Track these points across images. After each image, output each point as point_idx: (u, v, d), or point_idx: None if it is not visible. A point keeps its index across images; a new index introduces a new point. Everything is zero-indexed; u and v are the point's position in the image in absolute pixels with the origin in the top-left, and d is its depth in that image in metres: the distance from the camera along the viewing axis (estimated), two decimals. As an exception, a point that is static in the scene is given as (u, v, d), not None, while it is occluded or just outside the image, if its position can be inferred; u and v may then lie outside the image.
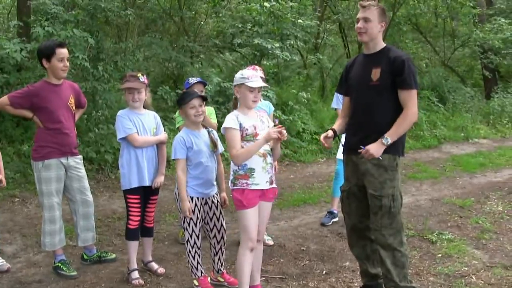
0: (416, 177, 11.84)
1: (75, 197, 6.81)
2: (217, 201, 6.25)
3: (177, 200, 6.17)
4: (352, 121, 5.65)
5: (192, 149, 6.00)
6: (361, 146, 5.29)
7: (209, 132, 6.22)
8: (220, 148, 6.31)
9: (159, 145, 6.60)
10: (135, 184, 6.40)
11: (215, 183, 6.27)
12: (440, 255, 7.36)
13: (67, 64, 6.68)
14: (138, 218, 6.53)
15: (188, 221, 6.04)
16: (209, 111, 7.70)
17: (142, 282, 6.41)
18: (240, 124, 5.47)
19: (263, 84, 5.61)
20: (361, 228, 5.76)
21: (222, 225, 6.26)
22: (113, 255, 7.15)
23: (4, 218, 8.41)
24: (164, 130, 6.99)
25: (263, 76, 7.26)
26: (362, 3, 5.54)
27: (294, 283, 6.49)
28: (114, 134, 10.75)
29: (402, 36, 20.72)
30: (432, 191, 10.75)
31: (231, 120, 5.50)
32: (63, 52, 6.61)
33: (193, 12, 17.03)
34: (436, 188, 11.03)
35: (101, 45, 11.88)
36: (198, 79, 7.68)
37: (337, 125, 5.84)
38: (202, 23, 17.88)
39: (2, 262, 6.84)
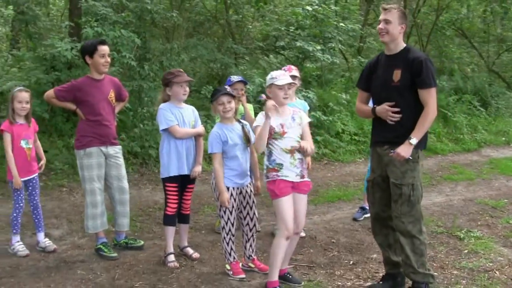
0: (451, 178, 11.99)
1: (113, 184, 7.27)
2: (251, 190, 6.64)
3: (214, 190, 6.59)
4: (377, 118, 5.96)
5: (227, 143, 6.39)
6: (391, 151, 5.67)
7: (242, 126, 6.61)
8: (253, 140, 6.70)
9: (196, 137, 7.01)
10: (174, 173, 6.81)
11: (249, 173, 6.66)
12: (466, 251, 7.58)
13: (108, 60, 7.18)
14: (176, 205, 6.93)
15: (224, 210, 6.44)
16: (249, 108, 8.16)
17: (177, 265, 6.81)
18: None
19: (290, 80, 5.98)
20: (384, 217, 6.08)
21: (254, 213, 6.66)
22: (141, 242, 7.53)
23: (52, 206, 8.87)
24: (208, 128, 7.39)
25: (297, 75, 7.68)
26: (384, 6, 5.90)
27: (321, 271, 6.81)
28: (158, 130, 11.24)
29: (446, 40, 20.80)
30: (466, 192, 10.91)
31: (258, 118, 5.92)
32: (104, 48, 7.10)
33: (240, 16, 17.44)
34: (471, 189, 11.18)
35: (148, 45, 12.34)
36: (240, 77, 8.08)
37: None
38: (250, 26, 18.28)
39: (50, 243, 7.35)
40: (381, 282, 6.24)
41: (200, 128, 7.08)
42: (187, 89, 6.91)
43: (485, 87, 19.71)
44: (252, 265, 6.75)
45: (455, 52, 21.40)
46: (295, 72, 7.72)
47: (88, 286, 6.24)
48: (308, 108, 8.35)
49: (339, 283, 6.47)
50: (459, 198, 10.44)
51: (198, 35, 16.55)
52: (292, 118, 6.06)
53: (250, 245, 6.76)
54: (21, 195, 7.22)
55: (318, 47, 14.11)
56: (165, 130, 6.80)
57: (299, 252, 7.37)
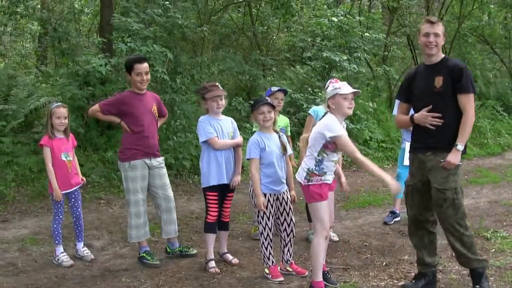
0: (477, 182, 12.20)
1: (158, 193, 7.52)
2: (287, 197, 6.90)
3: (252, 197, 6.84)
4: (417, 125, 6.20)
5: (265, 150, 6.68)
6: (441, 160, 5.90)
7: (279, 136, 6.89)
8: (289, 150, 7.01)
9: (235, 147, 7.25)
10: (214, 182, 7.06)
11: (284, 181, 6.91)
12: (493, 250, 7.81)
13: (145, 78, 7.35)
14: (216, 213, 7.18)
15: (262, 215, 6.73)
16: (286, 123, 8.49)
17: (218, 270, 7.04)
18: None
19: (354, 90, 6.16)
20: (420, 220, 6.34)
21: (291, 219, 6.91)
22: (195, 251, 7.77)
23: (91, 218, 9.15)
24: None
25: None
26: (431, 19, 6.16)
27: (356, 273, 7.03)
28: (191, 142, 11.52)
29: (468, 47, 20.95)
30: (491, 194, 11.11)
31: (339, 126, 6.03)
32: (141, 67, 7.31)
33: (265, 27, 17.71)
34: (496, 191, 11.39)
35: (178, 59, 12.63)
36: (279, 88, 8.38)
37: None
38: (274, 37, 18.54)
39: (88, 252, 7.63)
40: (413, 281, 6.45)
41: (239, 139, 7.31)
42: (221, 102, 7.12)
43: (507, 92, 19.91)
44: (290, 269, 6.98)
45: (478, 59, 21.54)
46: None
47: (133, 292, 6.49)
48: None
49: (374, 283, 6.68)
50: (485, 200, 10.65)
51: (225, 47, 16.83)
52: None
53: (288, 250, 6.99)
54: (61, 207, 7.46)
55: (345, 57, 14.35)
56: (205, 142, 7.05)
57: (333, 256, 7.63)
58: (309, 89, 14.91)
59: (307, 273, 6.83)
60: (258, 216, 6.81)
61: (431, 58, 6.13)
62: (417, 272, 6.54)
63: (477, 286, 6.18)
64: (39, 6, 16.97)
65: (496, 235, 8.43)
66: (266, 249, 6.82)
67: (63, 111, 7.39)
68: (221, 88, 7.20)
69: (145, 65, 7.38)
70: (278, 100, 8.18)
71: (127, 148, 7.35)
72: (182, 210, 9.74)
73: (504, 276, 6.80)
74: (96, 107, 7.40)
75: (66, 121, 7.43)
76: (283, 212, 6.87)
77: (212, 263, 7.14)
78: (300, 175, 6.26)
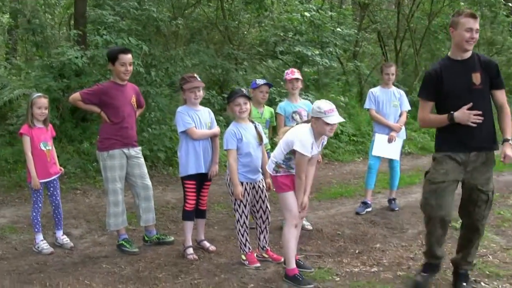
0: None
1: (136, 182, 7.69)
2: (263, 185, 7.11)
3: (229, 186, 7.04)
4: (452, 124, 5.92)
5: (241, 140, 6.87)
6: (502, 158, 5.76)
7: (255, 126, 7.08)
8: (265, 140, 7.23)
9: (212, 137, 7.43)
10: (192, 171, 7.23)
11: (260, 170, 7.11)
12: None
13: (129, 68, 7.53)
14: (194, 201, 7.37)
15: (239, 203, 6.93)
16: (271, 114, 8.62)
17: (196, 257, 7.24)
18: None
19: (341, 120, 6.25)
20: (447, 221, 6.16)
21: (267, 206, 7.12)
22: (172, 238, 7.95)
23: (68, 207, 9.27)
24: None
25: (300, 77, 8.23)
26: (473, 13, 5.97)
27: (329, 260, 7.28)
28: (165, 134, 11.68)
29: (438, 44, 21.28)
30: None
31: (307, 148, 6.17)
32: (125, 57, 7.48)
33: (236, 22, 17.88)
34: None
35: (153, 52, 12.77)
36: (265, 81, 8.50)
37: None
38: (245, 32, 18.72)
39: (67, 240, 7.80)
40: (424, 274, 6.45)
41: (216, 129, 7.50)
42: (199, 93, 7.27)
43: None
44: (266, 255, 7.20)
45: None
46: (298, 74, 8.36)
47: (114, 278, 6.63)
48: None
49: (347, 270, 6.93)
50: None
51: (198, 41, 16.96)
52: (322, 144, 6.55)
53: (264, 237, 7.21)
54: (40, 196, 7.60)
55: (317, 52, 14.59)
56: (183, 132, 7.21)
57: (307, 244, 7.87)
58: (281, 82, 15.08)
59: (282, 259, 6.99)
60: (235, 204, 7.00)
61: (464, 53, 5.95)
62: (425, 262, 6.57)
63: (465, 284, 6.35)
64: (9, -1, 16.98)
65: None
66: (243, 236, 7.02)
67: (44, 101, 7.51)
68: (199, 79, 7.34)
69: (130, 56, 7.55)
70: (263, 93, 8.35)
71: (105, 138, 7.50)
72: (158, 200, 9.85)
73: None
74: (77, 95, 7.52)
75: (46, 111, 7.55)
76: (258, 200, 7.07)
77: (190, 250, 7.32)
78: (270, 166, 6.54)
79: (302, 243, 7.73)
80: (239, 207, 6.97)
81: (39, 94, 7.72)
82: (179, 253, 7.41)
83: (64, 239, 7.79)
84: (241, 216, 6.99)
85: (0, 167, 10.63)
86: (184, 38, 16.61)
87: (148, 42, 12.53)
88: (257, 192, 7.06)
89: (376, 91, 9.62)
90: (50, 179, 7.66)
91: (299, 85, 8.46)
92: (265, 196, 7.12)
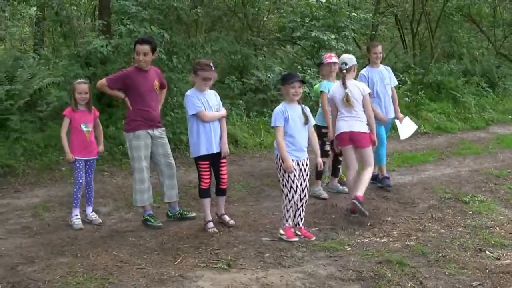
0: (460, 153, 12.79)
1: (160, 161, 8.20)
2: (306, 164, 7.53)
3: (276, 162, 7.49)
4: None
5: (288, 120, 7.31)
6: None
7: (302, 108, 7.52)
8: (312, 121, 7.64)
9: (220, 119, 7.87)
10: (203, 152, 7.69)
11: (305, 149, 7.53)
12: (471, 212, 8.56)
13: (141, 58, 7.96)
14: (209, 179, 7.83)
15: (287, 179, 7.36)
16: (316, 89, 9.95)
17: (216, 230, 7.74)
18: None
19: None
20: None
21: (307, 185, 7.55)
22: (193, 214, 8.43)
23: (96, 188, 9.66)
24: (232, 114, 8.27)
25: (336, 61, 9.22)
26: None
27: (342, 232, 7.78)
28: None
29: (455, 26, 21.51)
30: (473, 164, 11.73)
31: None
32: (140, 48, 7.96)
33: (256, 9, 18.29)
34: (478, 162, 11.99)
35: (174, 40, 13.23)
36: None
37: None
38: (265, 19, 19.13)
39: (96, 216, 8.36)
40: None
41: (224, 111, 7.96)
42: (210, 83, 7.73)
43: (492, 69, 20.32)
44: (299, 233, 7.55)
45: (464, 37, 22.12)
46: (335, 59, 9.34)
47: (140, 249, 7.16)
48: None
49: (358, 240, 7.42)
50: (466, 169, 11.25)
51: (218, 29, 17.41)
52: None
53: (300, 214, 7.58)
54: (81, 172, 8.19)
55: (333, 36, 14.99)
56: (194, 115, 7.65)
57: (322, 218, 8.38)
58: (299, 67, 15.54)
59: (314, 237, 7.45)
60: (283, 180, 7.40)
61: None
62: None
63: None
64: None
65: (474, 199, 9.13)
66: (288, 211, 7.42)
67: (83, 87, 8.14)
68: (213, 69, 7.72)
69: (144, 46, 7.97)
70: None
71: (131, 120, 8.02)
72: (181, 180, 10.28)
73: (479, 234, 7.59)
74: (103, 81, 8.07)
75: (87, 95, 8.16)
76: (300, 178, 7.44)
77: (211, 224, 7.82)
78: (363, 127, 8.31)
79: (317, 217, 8.28)
80: (288, 182, 7.35)
81: (80, 80, 8.41)
82: (201, 227, 7.90)
83: (93, 215, 8.34)
84: (289, 191, 7.36)
85: (32, 151, 11.15)
86: (205, 25, 17.03)
87: (169, 31, 12.98)
88: (300, 170, 7.45)
89: (367, 72, 9.89)
90: (88, 158, 8.29)
91: (336, 68, 9.23)
92: (307, 175, 7.52)
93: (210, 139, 7.68)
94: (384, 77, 9.88)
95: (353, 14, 16.28)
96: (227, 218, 8.08)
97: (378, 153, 9.66)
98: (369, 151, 8.47)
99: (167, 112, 12.30)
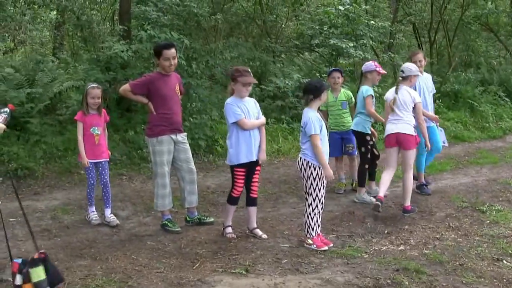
0: (477, 162, 12.77)
1: (182, 166, 8.26)
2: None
3: (304, 169, 7.41)
4: None
5: (322, 127, 7.36)
6: None
7: (321, 115, 7.60)
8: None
9: (260, 126, 7.80)
10: (243, 160, 7.60)
11: None
12: (488, 221, 8.55)
13: (173, 62, 8.08)
14: (242, 188, 7.77)
15: (314, 188, 7.35)
16: (348, 96, 10.33)
17: (234, 236, 7.77)
18: None
19: None
20: None
21: (324, 193, 7.53)
22: (212, 219, 8.50)
23: (115, 191, 9.79)
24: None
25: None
26: None
27: (359, 239, 7.81)
28: (206, 123, 12.24)
29: (472, 35, 21.49)
30: (490, 174, 11.68)
31: None
32: (168, 53, 8.02)
33: (274, 16, 18.36)
34: (495, 171, 11.95)
35: (193, 46, 13.31)
36: (334, 68, 10.44)
37: None
38: (283, 25, 19.20)
39: (114, 218, 8.50)
40: None
41: (263, 119, 7.87)
42: (249, 88, 7.66)
43: (510, 78, 20.16)
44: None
45: (481, 46, 22.06)
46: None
47: (159, 253, 7.23)
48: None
49: (376, 248, 7.45)
50: (484, 178, 11.22)
51: (236, 35, 17.49)
52: None
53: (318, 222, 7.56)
54: (91, 173, 8.44)
55: (351, 44, 15.03)
56: (234, 123, 7.57)
57: (339, 225, 8.41)
58: (317, 74, 15.60)
59: (331, 244, 7.48)
60: (310, 188, 7.38)
61: None
62: None
63: None
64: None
65: (492, 208, 9.11)
66: (312, 220, 7.41)
67: (96, 92, 8.31)
68: (251, 74, 7.69)
69: (173, 50, 8.07)
70: (334, 79, 9.89)
71: (155, 125, 8.08)
72: (199, 185, 10.18)
73: (496, 243, 7.59)
74: (127, 86, 8.13)
75: (99, 100, 8.34)
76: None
77: (229, 229, 7.84)
78: (410, 129, 8.64)
79: (334, 224, 8.33)
80: (314, 191, 7.34)
81: (93, 85, 8.49)
82: (219, 232, 7.94)
83: (112, 217, 8.47)
84: (314, 200, 7.37)
85: (51, 154, 11.25)
86: (224, 32, 17.12)
87: (189, 36, 13.05)
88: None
89: None
90: (99, 160, 8.47)
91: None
92: (325, 182, 7.52)
93: (250, 147, 7.62)
94: (428, 85, 10.00)
95: (371, 22, 16.28)
96: (259, 232, 7.92)
97: (419, 160, 10.06)
98: (412, 154, 8.82)
99: (185, 118, 12.35)
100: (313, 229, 7.42)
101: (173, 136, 8.14)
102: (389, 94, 9.03)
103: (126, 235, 7.99)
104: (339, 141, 10.25)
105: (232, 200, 7.85)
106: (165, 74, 8.14)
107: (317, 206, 7.38)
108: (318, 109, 7.63)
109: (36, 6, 17.01)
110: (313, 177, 7.32)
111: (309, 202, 7.41)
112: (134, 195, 9.89)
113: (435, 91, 10.45)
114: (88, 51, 14.28)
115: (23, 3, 16.72)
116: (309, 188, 7.39)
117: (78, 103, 11.96)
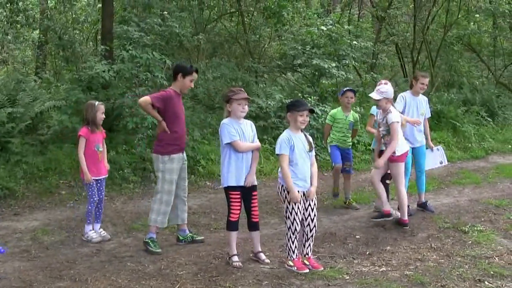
0: (459, 183, 12.79)
1: (180, 184, 8.41)
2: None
3: (280, 193, 7.40)
4: None
5: (293, 149, 7.25)
6: None
7: (305, 135, 7.49)
8: (313, 150, 7.58)
9: (254, 150, 7.69)
10: (232, 183, 7.47)
11: (309, 179, 7.44)
12: (470, 242, 8.52)
13: (192, 85, 8.31)
14: (238, 211, 7.62)
15: (291, 211, 7.27)
16: (355, 118, 10.55)
17: (241, 265, 7.50)
18: None
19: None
20: None
21: (315, 215, 7.44)
22: (202, 237, 8.61)
23: (96, 212, 9.83)
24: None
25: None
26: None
27: (341, 260, 7.76)
28: (187, 144, 12.16)
29: (455, 55, 21.63)
30: (472, 194, 11.71)
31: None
32: (195, 76, 8.33)
33: (257, 36, 18.41)
34: (477, 191, 11.96)
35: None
36: (348, 88, 10.57)
37: None
38: (266, 46, 19.25)
39: (105, 233, 8.65)
40: None
41: (258, 143, 7.79)
42: (246, 107, 7.53)
43: (492, 99, 20.31)
44: (307, 263, 7.44)
45: (464, 66, 22.20)
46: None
47: (139, 275, 7.18)
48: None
49: (357, 269, 7.40)
50: (466, 199, 11.24)
51: (219, 55, 17.53)
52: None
53: (309, 244, 7.48)
54: (94, 190, 8.50)
55: (333, 64, 15.08)
56: (228, 144, 7.45)
57: (321, 246, 8.33)
58: (299, 94, 15.61)
59: (322, 268, 7.36)
60: (286, 212, 7.31)
61: None
62: None
63: None
64: (38, 16, 17.68)
65: (474, 229, 9.09)
66: (293, 243, 7.33)
67: (103, 107, 8.60)
68: (245, 93, 7.61)
69: (197, 75, 8.45)
70: (348, 99, 10.08)
71: (168, 143, 8.14)
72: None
73: (478, 264, 7.56)
74: (147, 99, 8.03)
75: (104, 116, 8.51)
76: (307, 208, 7.38)
77: (235, 258, 7.59)
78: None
79: (316, 245, 8.22)
80: (291, 214, 7.25)
81: (100, 101, 8.78)
82: (199, 253, 7.91)
83: (102, 232, 8.61)
84: (292, 224, 7.27)
85: (32, 174, 11.20)
86: (206, 52, 17.17)
87: (171, 56, 13.10)
88: (306, 200, 7.37)
89: (406, 97, 9.97)
90: (100, 177, 8.62)
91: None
92: (314, 204, 7.42)
93: (241, 170, 7.50)
94: (422, 107, 10.02)
95: (354, 42, 16.38)
96: (263, 256, 7.74)
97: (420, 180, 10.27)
98: (398, 166, 9.14)
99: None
100: (293, 252, 7.35)
101: (181, 154, 8.30)
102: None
103: (106, 256, 7.92)
104: (339, 152, 10.40)
105: (231, 226, 7.65)
106: (179, 93, 8.23)
107: (296, 229, 7.28)
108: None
109: (18, 26, 16.99)
110: (287, 200, 7.28)
111: (288, 225, 7.35)
112: (115, 216, 9.85)
113: (430, 115, 10.59)
114: (70, 70, 14.28)
115: (5, 23, 16.72)
116: (286, 212, 7.35)
117: (60, 123, 11.92)
